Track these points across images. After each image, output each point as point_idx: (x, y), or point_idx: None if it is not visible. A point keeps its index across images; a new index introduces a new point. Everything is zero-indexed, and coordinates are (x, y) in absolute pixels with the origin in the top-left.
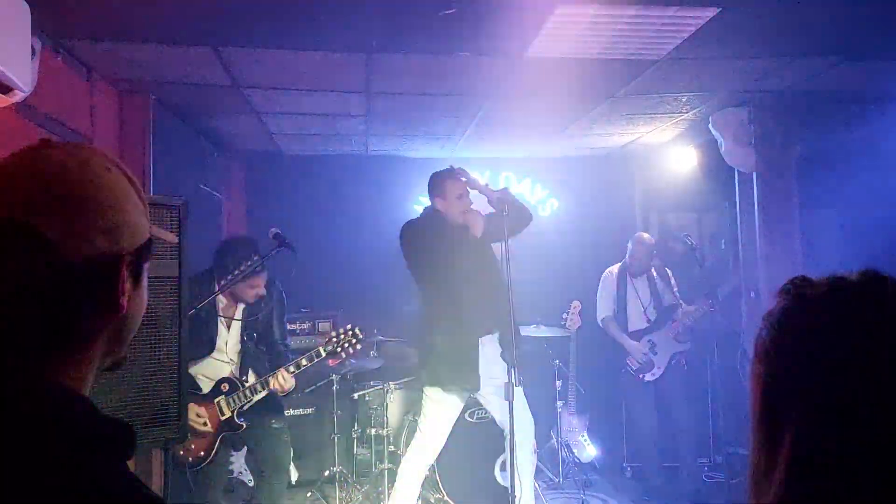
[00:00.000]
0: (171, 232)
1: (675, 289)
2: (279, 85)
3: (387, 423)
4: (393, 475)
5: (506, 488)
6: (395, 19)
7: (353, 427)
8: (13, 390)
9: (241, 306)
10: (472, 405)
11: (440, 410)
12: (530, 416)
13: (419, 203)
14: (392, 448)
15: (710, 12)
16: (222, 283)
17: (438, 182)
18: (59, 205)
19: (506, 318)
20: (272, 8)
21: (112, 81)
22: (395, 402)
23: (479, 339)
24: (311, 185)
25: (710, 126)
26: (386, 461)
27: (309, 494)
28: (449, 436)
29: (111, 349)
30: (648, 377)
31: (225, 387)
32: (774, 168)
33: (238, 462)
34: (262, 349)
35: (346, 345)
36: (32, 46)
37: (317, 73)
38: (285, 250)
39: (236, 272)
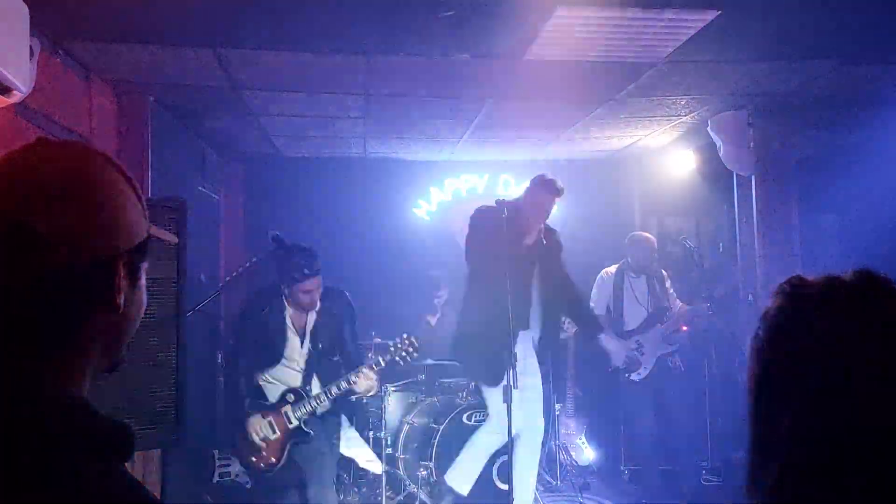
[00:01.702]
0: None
1: (671, 291)
2: (278, 86)
3: (385, 426)
4: (390, 478)
5: (504, 491)
6: (394, 21)
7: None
8: (10, 391)
9: (313, 317)
10: (470, 408)
11: (496, 401)
12: (542, 420)
13: (418, 206)
14: (389, 451)
15: (710, 15)
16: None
17: (533, 183)
18: (54, 203)
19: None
20: (271, 9)
21: (110, 82)
22: (392, 405)
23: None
24: (309, 187)
25: (708, 129)
26: (383, 464)
27: None
28: (446, 438)
29: (109, 350)
30: (634, 376)
31: (291, 397)
32: (773, 171)
33: (236, 465)
34: (331, 359)
35: (405, 353)
36: (31, 47)
37: (315, 74)
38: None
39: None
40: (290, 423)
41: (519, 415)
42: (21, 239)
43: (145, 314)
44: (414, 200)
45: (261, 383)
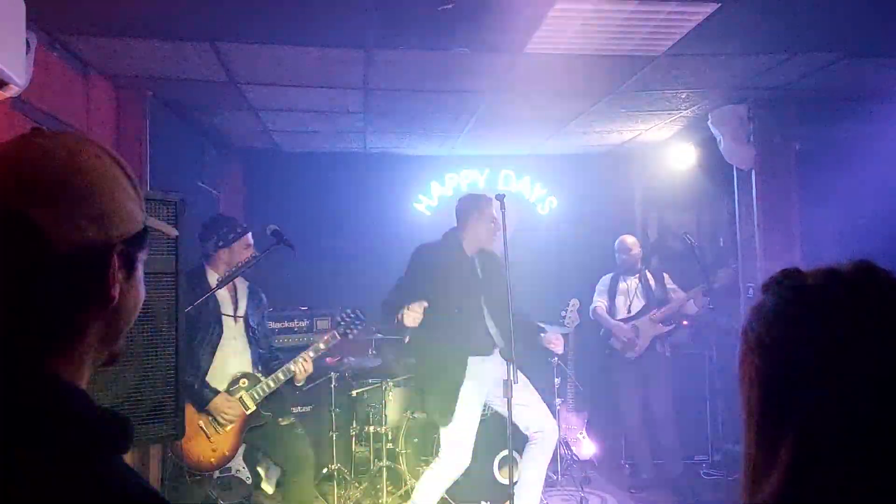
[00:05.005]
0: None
1: (672, 287)
2: (277, 81)
3: (385, 421)
4: (391, 473)
5: (505, 485)
6: (394, 14)
7: (352, 425)
8: (4, 381)
9: (243, 301)
10: None
11: (455, 431)
12: (551, 418)
13: (418, 201)
14: (390, 446)
15: (710, 8)
16: (219, 277)
17: (478, 203)
18: (45, 191)
19: (507, 328)
20: (270, 3)
21: (108, 77)
22: (393, 400)
23: (479, 358)
24: (308, 182)
25: (709, 123)
26: (384, 459)
27: None
28: None
29: (106, 342)
30: (629, 354)
31: (244, 382)
32: (773, 165)
33: (236, 459)
34: (265, 346)
35: (352, 325)
36: (27, 41)
37: (314, 68)
38: (283, 247)
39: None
40: (248, 408)
41: (532, 418)
42: (14, 227)
43: (143, 308)
44: (414, 195)
45: (209, 378)
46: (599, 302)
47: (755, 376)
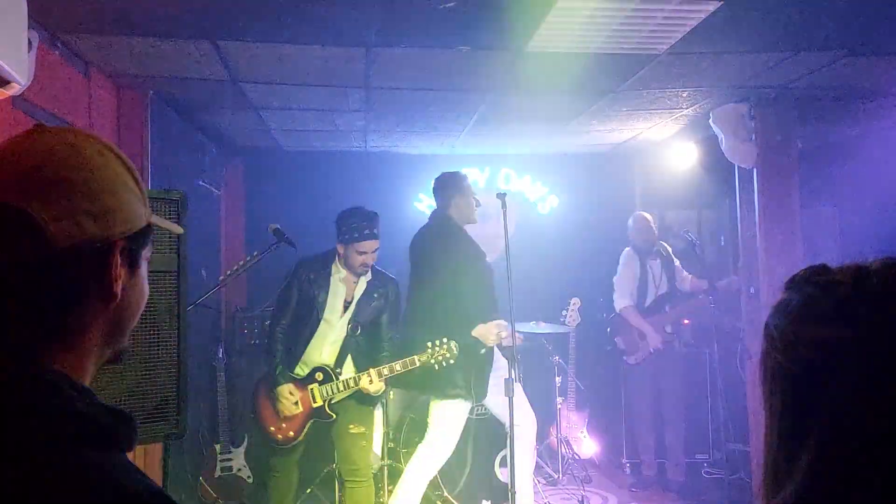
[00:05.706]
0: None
1: (677, 265)
2: (277, 79)
3: (386, 420)
4: (392, 472)
5: (506, 484)
6: (395, 13)
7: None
8: (9, 377)
9: (360, 290)
10: None
11: (454, 419)
12: (531, 411)
13: (419, 200)
14: (391, 445)
15: (712, 6)
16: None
17: (458, 180)
18: (46, 187)
19: (506, 316)
20: (271, 1)
21: (110, 75)
22: (394, 399)
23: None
24: (309, 181)
25: (710, 122)
26: (385, 458)
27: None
28: None
29: (110, 339)
30: (631, 360)
31: (319, 376)
32: (775, 164)
33: (237, 459)
34: (370, 343)
35: (440, 357)
36: (29, 40)
37: (315, 67)
38: (285, 246)
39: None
40: (315, 401)
41: (502, 410)
42: (16, 224)
43: (146, 306)
44: (415, 194)
45: (300, 362)
46: (628, 297)
47: (778, 373)
